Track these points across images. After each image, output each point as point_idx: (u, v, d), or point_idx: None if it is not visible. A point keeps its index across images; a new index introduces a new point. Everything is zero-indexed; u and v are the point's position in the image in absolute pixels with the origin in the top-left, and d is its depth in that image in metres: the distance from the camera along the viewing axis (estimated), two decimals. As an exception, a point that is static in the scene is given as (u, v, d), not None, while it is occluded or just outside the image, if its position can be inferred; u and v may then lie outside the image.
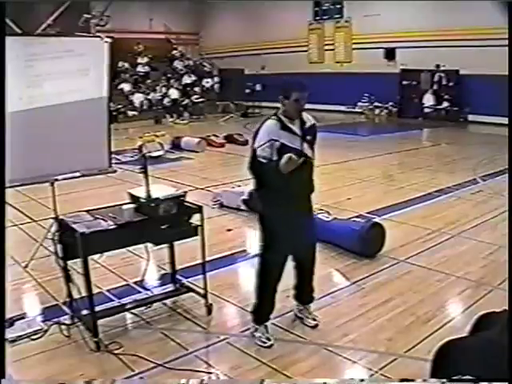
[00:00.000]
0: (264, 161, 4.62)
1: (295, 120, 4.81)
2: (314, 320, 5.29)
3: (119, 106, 23.40)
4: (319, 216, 7.62)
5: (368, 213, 8.82)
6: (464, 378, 3.28)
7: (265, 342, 4.94)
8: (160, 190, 5.11)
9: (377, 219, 7.96)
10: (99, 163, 7.19)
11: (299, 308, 5.40)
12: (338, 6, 25.52)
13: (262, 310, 5.08)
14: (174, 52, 29.87)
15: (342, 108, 24.56)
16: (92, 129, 7.02)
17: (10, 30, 23.44)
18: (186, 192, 5.38)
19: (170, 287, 5.98)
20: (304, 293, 5.39)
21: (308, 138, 4.86)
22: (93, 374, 4.52)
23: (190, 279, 6.11)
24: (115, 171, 7.41)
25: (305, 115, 4.92)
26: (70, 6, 25.22)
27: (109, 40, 6.84)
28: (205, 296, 5.51)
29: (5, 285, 4.15)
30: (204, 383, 4.39)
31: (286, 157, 4.43)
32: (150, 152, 5.47)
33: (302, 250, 5.15)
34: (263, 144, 4.62)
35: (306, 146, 4.82)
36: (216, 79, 28.35)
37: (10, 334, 5.11)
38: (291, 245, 4.99)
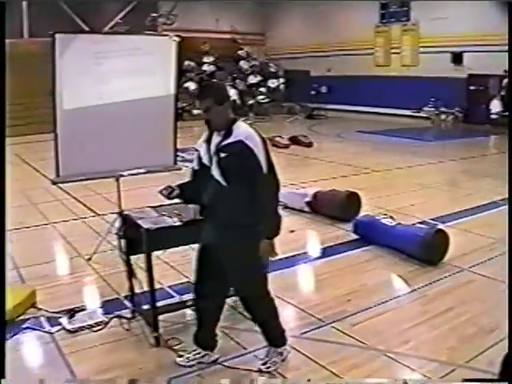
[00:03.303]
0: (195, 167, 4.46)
1: (219, 132, 4.17)
2: None
3: (184, 105, 23.61)
4: (383, 221, 7.55)
5: (432, 219, 8.68)
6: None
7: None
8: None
9: (441, 226, 7.83)
10: (164, 160, 7.26)
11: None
12: (405, 9, 25.20)
13: None
14: (240, 52, 29.93)
15: (408, 112, 24.23)
16: (158, 126, 7.10)
17: (78, 28, 24.06)
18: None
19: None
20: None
21: (222, 155, 4.10)
22: (151, 368, 4.58)
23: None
24: (180, 169, 7.46)
25: (238, 129, 4.15)
26: (137, 4, 25.73)
27: (177, 39, 6.90)
28: (265, 296, 5.48)
29: (5, 286, 4.26)
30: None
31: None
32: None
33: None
34: None
35: (214, 164, 4.17)
36: (282, 80, 28.38)
37: (70, 325, 5.23)
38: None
